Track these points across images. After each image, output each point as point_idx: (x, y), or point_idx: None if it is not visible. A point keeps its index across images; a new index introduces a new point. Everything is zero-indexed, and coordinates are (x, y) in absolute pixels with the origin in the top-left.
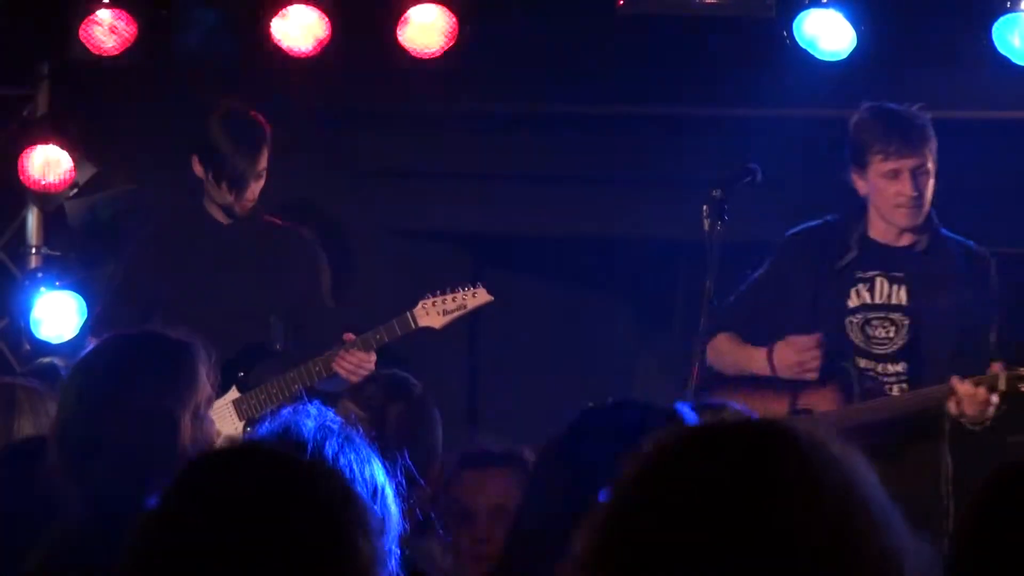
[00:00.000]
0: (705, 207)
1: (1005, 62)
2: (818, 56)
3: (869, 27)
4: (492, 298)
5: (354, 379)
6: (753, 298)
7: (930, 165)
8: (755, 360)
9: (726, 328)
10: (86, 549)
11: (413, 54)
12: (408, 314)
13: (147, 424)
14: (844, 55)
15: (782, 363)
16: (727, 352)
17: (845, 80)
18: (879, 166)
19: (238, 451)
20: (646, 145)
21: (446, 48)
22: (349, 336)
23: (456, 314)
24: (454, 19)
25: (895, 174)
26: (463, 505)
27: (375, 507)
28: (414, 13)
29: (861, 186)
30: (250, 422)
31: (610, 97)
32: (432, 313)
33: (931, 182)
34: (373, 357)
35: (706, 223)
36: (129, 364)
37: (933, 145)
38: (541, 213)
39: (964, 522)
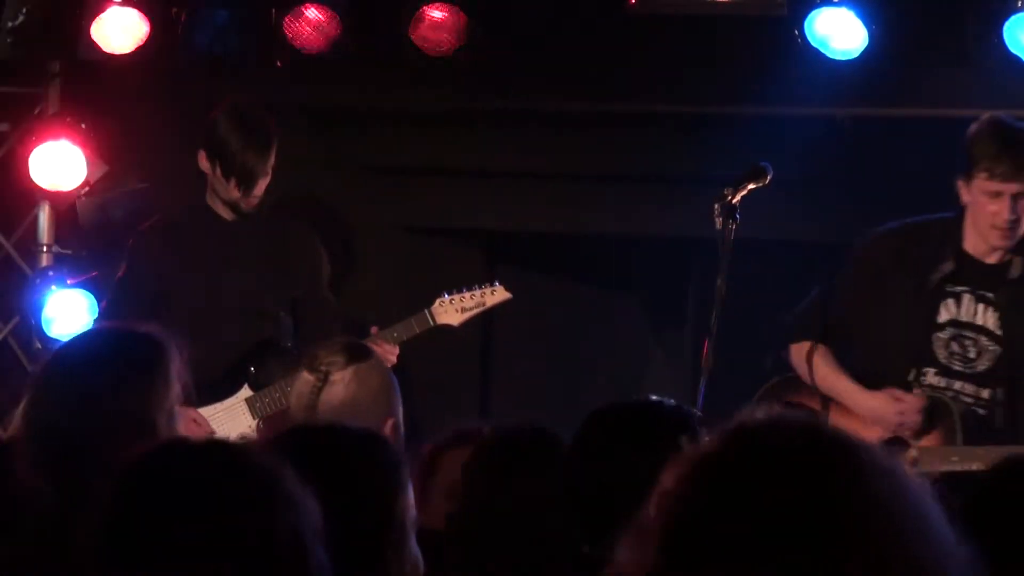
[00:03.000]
0: (716, 206)
1: (1016, 61)
2: (830, 55)
3: (881, 26)
4: (510, 296)
5: None
6: (845, 301)
7: None
8: (851, 397)
9: (814, 335)
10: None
11: (425, 52)
12: (426, 312)
13: (126, 425)
14: (856, 54)
15: (879, 415)
16: (821, 373)
17: (857, 79)
18: (983, 183)
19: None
20: (657, 143)
21: (457, 46)
22: (374, 329)
23: (474, 312)
24: (465, 17)
25: (996, 195)
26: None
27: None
28: (426, 11)
29: (964, 195)
30: (263, 420)
31: (621, 95)
32: (450, 311)
33: None
34: (397, 349)
35: (717, 222)
36: (110, 363)
37: None
38: (552, 210)
39: (970, 503)
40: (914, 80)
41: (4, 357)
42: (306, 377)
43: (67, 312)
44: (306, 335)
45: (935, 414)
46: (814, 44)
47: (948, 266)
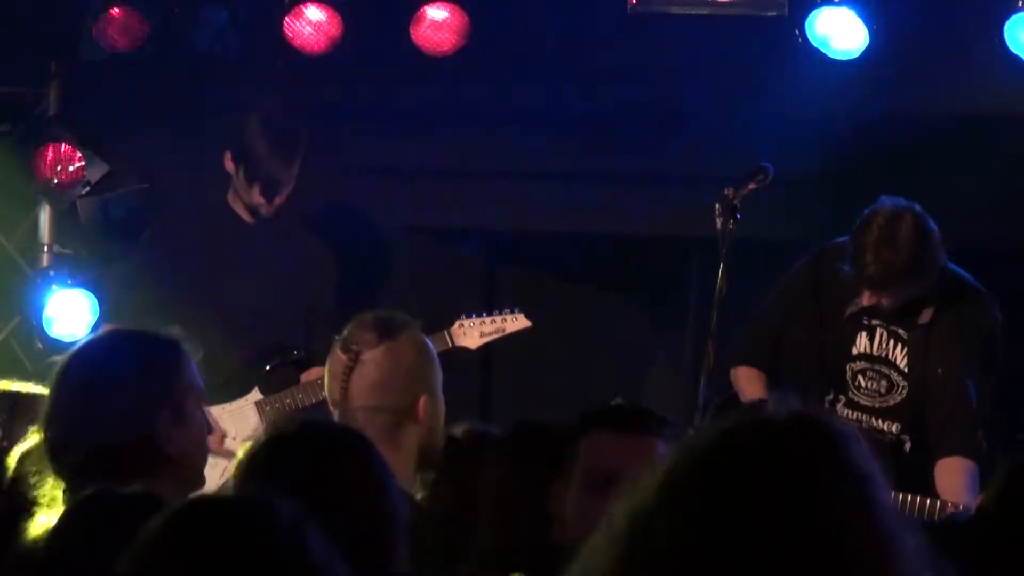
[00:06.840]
0: (717, 206)
1: (1016, 61)
2: (831, 55)
3: (881, 26)
4: (530, 324)
5: None
6: (777, 321)
7: (916, 290)
8: None
9: (749, 359)
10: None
11: (425, 52)
12: (445, 333)
13: (118, 421)
14: (857, 54)
15: None
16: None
17: (858, 79)
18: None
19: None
20: (659, 143)
21: (458, 46)
22: None
23: (493, 337)
24: (466, 17)
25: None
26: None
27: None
28: (427, 12)
29: None
30: (272, 424)
31: (622, 95)
32: (470, 334)
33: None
34: None
35: (718, 222)
36: (107, 360)
37: (920, 282)
38: (554, 210)
39: (987, 505)
40: (914, 80)
41: (4, 357)
42: (339, 356)
43: (68, 312)
44: (314, 344)
45: None
46: (815, 44)
47: (863, 299)
